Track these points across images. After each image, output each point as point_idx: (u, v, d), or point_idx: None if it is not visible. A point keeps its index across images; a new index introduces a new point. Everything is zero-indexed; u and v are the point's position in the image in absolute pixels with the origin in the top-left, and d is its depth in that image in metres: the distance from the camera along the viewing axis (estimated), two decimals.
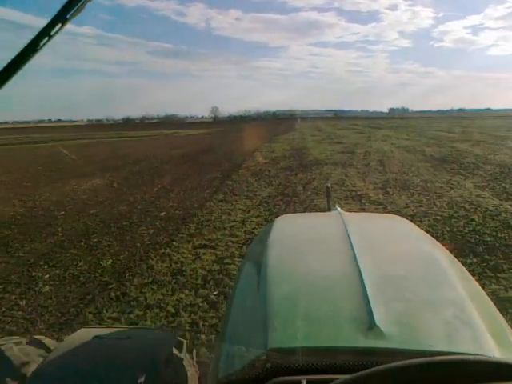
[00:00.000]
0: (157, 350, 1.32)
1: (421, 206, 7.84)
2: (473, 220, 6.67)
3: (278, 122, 77.48)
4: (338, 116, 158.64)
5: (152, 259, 5.44)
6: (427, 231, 2.02)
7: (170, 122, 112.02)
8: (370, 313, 0.85)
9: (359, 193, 9.23)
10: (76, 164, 17.56)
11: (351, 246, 1.20)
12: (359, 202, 8.36)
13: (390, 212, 7.19)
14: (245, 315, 1.05)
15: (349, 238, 1.27)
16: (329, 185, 4.30)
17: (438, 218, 6.91)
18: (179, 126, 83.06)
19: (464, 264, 1.47)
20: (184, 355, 1.31)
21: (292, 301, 0.98)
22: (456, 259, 1.37)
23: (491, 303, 1.07)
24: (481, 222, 6.60)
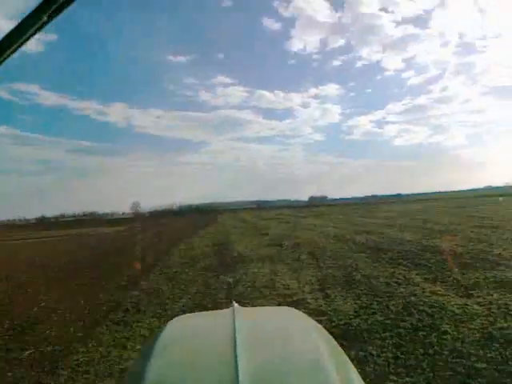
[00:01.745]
0: None
1: (374, 313, 6.21)
2: (446, 333, 5.11)
3: (200, 215, 76.06)
4: (261, 206, 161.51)
5: None
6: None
7: (88, 220, 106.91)
8: None
9: (294, 298, 7.48)
10: None
11: (235, 344, 1.19)
12: None
13: (338, 327, 5.49)
14: None
15: (234, 336, 1.25)
16: (230, 280, 3.71)
17: (401, 331, 5.28)
18: (98, 223, 78.78)
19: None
20: None
21: None
22: (341, 349, 1.42)
23: None
24: (456, 334, 5.06)
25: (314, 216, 42.86)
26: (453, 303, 6.40)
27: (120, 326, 6.60)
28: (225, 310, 1.98)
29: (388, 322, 5.70)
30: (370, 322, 5.78)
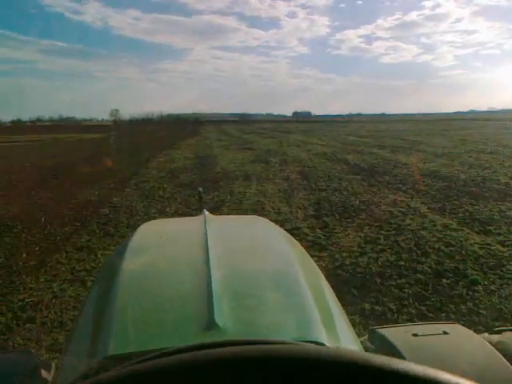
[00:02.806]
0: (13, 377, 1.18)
1: (382, 250, 5.29)
2: (476, 282, 4.23)
3: (181, 125, 73.53)
4: (243, 119, 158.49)
5: None
6: None
7: (66, 125, 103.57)
8: (211, 311, 0.85)
9: (287, 225, 6.50)
10: None
11: (207, 248, 1.17)
12: None
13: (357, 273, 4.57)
14: (89, 324, 0.99)
15: (206, 240, 1.24)
16: (201, 189, 3.67)
17: (421, 278, 4.38)
18: (75, 129, 76.13)
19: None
20: (51, 378, 1.17)
21: (137, 307, 0.95)
22: (308, 256, 1.45)
23: (336, 300, 1.11)
24: (488, 285, 4.19)
25: (300, 132, 41.59)
26: (472, 241, 5.52)
27: (82, 252, 5.58)
28: (196, 217, 2.04)
29: (402, 263, 4.79)
30: (380, 262, 4.87)
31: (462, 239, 5.62)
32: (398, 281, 4.32)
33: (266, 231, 1.66)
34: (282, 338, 0.79)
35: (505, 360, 0.98)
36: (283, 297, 0.98)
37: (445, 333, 1.15)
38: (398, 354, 1.05)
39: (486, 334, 1.22)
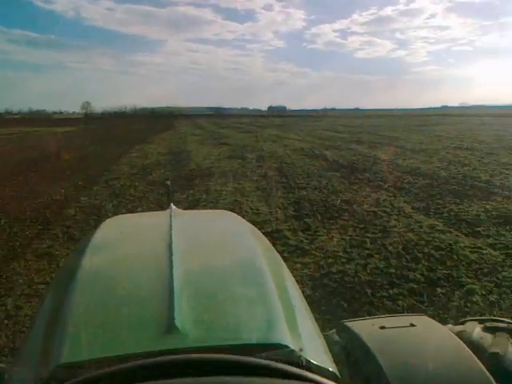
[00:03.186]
0: None
1: (370, 255, 4.95)
2: (473, 292, 3.92)
3: (155, 119, 72.18)
4: (218, 113, 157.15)
5: None
6: None
7: (35, 118, 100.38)
8: (171, 313, 0.81)
9: (267, 228, 6.11)
10: None
11: (171, 245, 1.12)
12: None
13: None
14: (43, 329, 0.90)
15: (170, 236, 1.19)
16: (169, 183, 3.48)
17: (414, 287, 4.06)
18: (45, 122, 73.69)
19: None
20: None
21: (93, 311, 0.89)
22: (275, 251, 1.44)
23: (301, 296, 1.11)
24: (486, 294, 3.89)
25: (276, 126, 41.25)
26: (462, 245, 5.24)
27: (43, 261, 5.05)
28: (162, 212, 1.94)
29: (392, 271, 4.45)
30: (368, 269, 4.52)
31: (451, 242, 5.34)
32: (391, 291, 3.98)
33: (233, 226, 1.63)
34: (243, 341, 0.77)
35: (468, 349, 1.00)
36: (247, 295, 0.96)
37: (412, 325, 1.13)
38: (364, 347, 1.04)
39: (452, 326, 1.23)
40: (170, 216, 1.47)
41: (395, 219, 6.50)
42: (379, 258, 4.87)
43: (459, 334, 1.11)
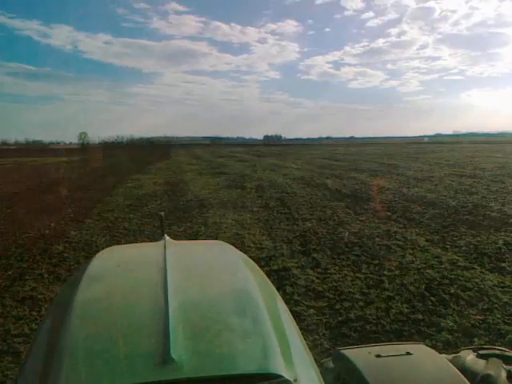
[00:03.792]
0: None
1: (390, 297, 4.42)
2: None
3: (151, 148, 72.10)
4: (214, 143, 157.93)
5: None
6: None
7: (31, 149, 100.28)
8: (167, 345, 0.81)
9: (273, 265, 5.60)
10: None
11: (165, 276, 1.12)
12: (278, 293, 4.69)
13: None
14: (39, 361, 0.91)
15: (165, 268, 1.19)
16: (162, 213, 3.32)
17: (450, 339, 3.53)
18: (42, 152, 73.38)
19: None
20: None
21: (89, 342, 0.88)
22: (269, 281, 1.39)
23: (295, 324, 1.10)
24: None
25: (273, 155, 41.04)
26: (489, 283, 4.74)
27: (24, 306, 4.49)
28: (156, 242, 1.97)
29: (419, 317, 3.92)
30: (391, 315, 3.99)
31: (477, 280, 4.84)
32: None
33: (226, 256, 1.62)
34: (238, 371, 0.76)
35: (464, 378, 1.00)
36: (242, 326, 0.95)
37: (408, 353, 1.13)
38: (360, 375, 1.03)
39: (448, 355, 1.20)
40: (164, 247, 1.48)
41: (410, 253, 6.00)
42: (401, 300, 4.35)
43: (454, 362, 1.14)
